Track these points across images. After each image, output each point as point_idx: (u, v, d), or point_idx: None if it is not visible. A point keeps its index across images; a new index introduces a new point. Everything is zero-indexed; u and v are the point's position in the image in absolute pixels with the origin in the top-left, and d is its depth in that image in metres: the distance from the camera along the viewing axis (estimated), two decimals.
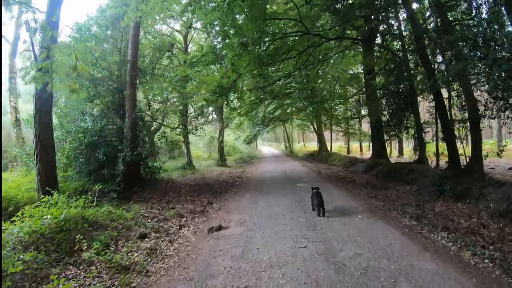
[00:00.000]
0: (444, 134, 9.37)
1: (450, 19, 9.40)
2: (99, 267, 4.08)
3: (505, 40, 6.37)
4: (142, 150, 10.05)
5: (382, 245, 4.23)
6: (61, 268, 4.06)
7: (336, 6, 11.24)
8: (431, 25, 10.64)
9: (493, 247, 4.18)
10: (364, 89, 16.70)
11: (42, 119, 7.18)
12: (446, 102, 9.91)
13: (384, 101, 13.63)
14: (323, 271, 3.49)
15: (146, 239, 5.17)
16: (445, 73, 8.90)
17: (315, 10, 11.07)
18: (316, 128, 28.65)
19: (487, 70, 7.11)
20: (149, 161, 10.95)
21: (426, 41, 9.92)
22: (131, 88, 10.01)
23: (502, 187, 6.40)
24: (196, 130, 17.37)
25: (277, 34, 11.83)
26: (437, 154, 11.65)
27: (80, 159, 9.21)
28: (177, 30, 18.84)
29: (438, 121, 10.81)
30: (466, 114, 10.03)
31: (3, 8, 6.96)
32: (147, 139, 12.27)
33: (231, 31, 9.34)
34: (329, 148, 27.41)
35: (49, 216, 5.06)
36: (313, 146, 41.34)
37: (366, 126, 29.62)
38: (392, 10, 11.34)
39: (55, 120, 10.50)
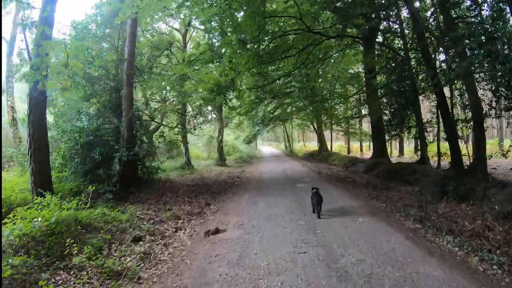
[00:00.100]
0: (446, 134, 9.19)
1: (453, 16, 9.20)
2: (90, 272, 3.91)
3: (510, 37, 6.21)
4: (139, 150, 9.88)
5: (386, 250, 4.05)
6: (51, 273, 3.89)
7: (337, 4, 11.08)
8: (433, 22, 10.43)
9: (500, 251, 4.01)
10: (364, 88, 16.52)
11: (35, 118, 7.00)
12: (448, 101, 9.73)
13: (385, 100, 13.44)
14: (324, 279, 3.31)
15: (141, 243, 4.99)
16: (448, 71, 8.75)
17: (316, 8, 10.90)
18: (316, 127, 28.49)
19: (491, 68, 6.95)
20: (147, 161, 10.78)
21: (429, 39, 9.74)
22: (128, 86, 9.82)
23: (506, 188, 6.25)
24: (195, 129, 17.18)
25: (277, 32, 11.65)
26: (438, 154, 11.48)
27: (76, 159, 9.03)
28: (175, 29, 18.68)
29: (440, 120, 10.65)
30: (469, 114, 9.90)
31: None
32: (144, 138, 12.11)
33: (229, 28, 9.15)
34: (329, 147, 27.26)
35: (39, 219, 4.90)
36: (313, 145, 41.17)
37: (366, 126, 29.49)
38: (394, 8, 11.17)
39: (51, 120, 10.37)
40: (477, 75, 8.34)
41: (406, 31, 11.57)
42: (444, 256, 3.92)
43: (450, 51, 8.88)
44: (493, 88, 7.53)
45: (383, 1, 11.07)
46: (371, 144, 22.88)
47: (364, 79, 17.14)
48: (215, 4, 8.09)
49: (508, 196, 5.81)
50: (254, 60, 10.55)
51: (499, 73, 6.72)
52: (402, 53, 11.82)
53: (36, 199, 5.85)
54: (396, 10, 11.56)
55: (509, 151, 8.17)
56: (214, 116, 22.05)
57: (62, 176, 9.06)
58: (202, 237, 5.06)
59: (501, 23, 6.65)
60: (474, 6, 8.23)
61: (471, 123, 9.06)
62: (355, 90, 20.51)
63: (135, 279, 3.71)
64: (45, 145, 7.27)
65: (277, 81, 18.44)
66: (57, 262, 4.12)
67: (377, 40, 14.24)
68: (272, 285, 3.26)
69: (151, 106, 15.71)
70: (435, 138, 12.31)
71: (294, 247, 4.29)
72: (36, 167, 7.00)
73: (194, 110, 17.90)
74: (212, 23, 9.58)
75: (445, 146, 12.67)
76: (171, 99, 17.96)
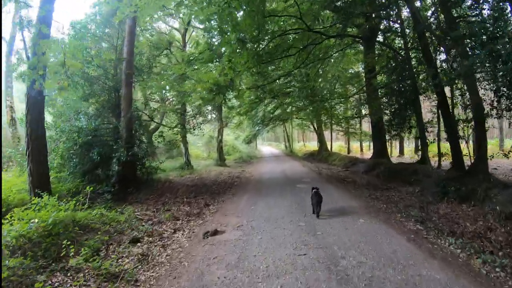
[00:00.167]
0: (447, 134, 9.14)
1: (455, 15, 9.13)
2: (87, 274, 3.86)
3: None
4: (139, 150, 9.83)
5: (387, 252, 3.99)
6: (47, 275, 3.85)
7: (337, 4, 11.02)
8: (434, 22, 10.36)
9: (502, 253, 3.96)
10: (365, 88, 16.45)
11: (33, 118, 6.94)
12: (449, 101, 9.67)
13: (385, 100, 13.37)
14: (324, 282, 3.25)
15: (139, 244, 4.93)
16: (449, 71, 8.69)
17: (316, 8, 10.84)
18: (316, 127, 28.42)
19: (493, 67, 6.89)
20: (146, 161, 10.71)
21: (429, 39, 9.68)
22: (127, 86, 9.76)
23: (508, 189, 6.20)
24: (194, 129, 17.11)
25: (277, 32, 11.58)
26: (439, 154, 11.42)
27: (74, 159, 8.96)
28: (175, 28, 18.62)
29: (441, 120, 10.58)
30: (470, 114, 9.83)
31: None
32: (144, 138, 12.04)
33: (228, 27, 9.07)
34: (329, 147, 27.19)
35: (36, 220, 4.85)
36: (313, 145, 41.11)
37: (366, 126, 29.45)
38: (394, 7, 11.11)
39: (50, 119, 10.31)
40: (478, 75, 8.28)
41: (407, 31, 11.51)
42: (446, 258, 3.86)
43: (451, 50, 8.81)
44: (495, 88, 7.46)
45: (384, 1, 11.01)
46: (371, 144, 22.82)
47: (364, 79, 17.08)
48: (214, 3, 8.01)
49: (510, 197, 5.76)
50: (254, 60, 10.48)
51: (501, 73, 6.65)
52: (402, 53, 11.76)
53: (33, 199, 5.80)
54: (396, 10, 11.50)
55: (510, 151, 8.09)
56: (214, 116, 21.96)
57: (61, 177, 9.00)
58: (201, 238, 5.00)
59: (502, 22, 6.59)
60: (475, 5, 8.17)
61: (472, 123, 8.98)
62: (355, 90, 20.45)
63: (132, 281, 3.65)
64: (43, 145, 7.21)
65: (277, 80, 18.37)
66: (53, 264, 4.08)
67: (377, 39, 14.16)
68: None
69: (151, 106, 15.63)
70: (436, 139, 12.25)
71: (294, 249, 4.22)
72: (34, 167, 6.94)
73: (193, 110, 17.80)
74: (212, 22, 9.50)
75: (445, 146, 12.64)
76: (171, 99, 17.90)
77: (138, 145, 10.24)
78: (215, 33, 10.46)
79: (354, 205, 6.89)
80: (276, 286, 3.24)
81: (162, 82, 13.55)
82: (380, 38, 14.30)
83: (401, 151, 24.19)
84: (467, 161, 9.23)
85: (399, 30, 11.98)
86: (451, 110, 9.56)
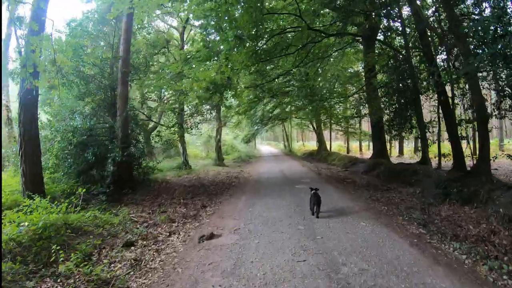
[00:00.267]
0: (449, 134, 9.00)
1: (457, 13, 8.98)
2: (77, 280, 3.71)
3: None
4: (135, 150, 9.66)
5: (390, 258, 3.83)
6: (37, 280, 3.72)
7: (337, 3, 10.87)
8: (436, 20, 10.23)
9: (507, 258, 3.82)
10: (364, 87, 16.31)
11: (26, 118, 6.79)
12: (450, 100, 9.54)
13: (386, 100, 13.23)
14: None
15: (132, 248, 4.77)
16: (451, 70, 8.55)
17: (316, 6, 10.69)
18: (315, 127, 28.30)
19: (496, 67, 6.75)
20: (143, 161, 10.54)
21: (431, 38, 9.55)
22: (123, 85, 9.58)
23: (511, 190, 6.04)
24: (192, 129, 16.95)
25: (275, 30, 11.42)
26: (439, 154, 11.30)
27: (69, 160, 8.78)
28: (173, 27, 18.46)
29: (442, 120, 10.45)
30: (471, 113, 9.70)
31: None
32: (140, 138, 11.88)
33: (225, 24, 8.91)
34: (328, 147, 27.06)
35: (26, 223, 4.70)
36: (312, 145, 41.02)
37: (366, 125, 29.32)
38: (395, 6, 10.95)
39: (45, 119, 10.14)
40: (479, 74, 8.14)
41: (408, 30, 11.36)
42: (451, 264, 3.70)
43: (453, 49, 8.67)
44: (499, 88, 7.32)
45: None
46: (371, 143, 22.68)
47: (364, 78, 16.94)
48: None
49: None
50: (252, 58, 10.32)
51: (505, 72, 6.51)
52: (403, 52, 11.61)
53: (26, 201, 5.65)
54: (397, 8, 11.35)
55: None
56: (212, 115, 21.79)
57: (55, 177, 8.84)
58: (196, 242, 4.82)
59: (506, 20, 6.44)
60: (477, 3, 8.04)
61: (474, 123, 8.86)
62: (354, 89, 20.33)
63: None
64: (36, 145, 7.05)
65: (276, 79, 18.22)
66: (44, 269, 3.94)
67: (377, 38, 14.01)
68: None
69: (148, 105, 15.46)
70: (436, 139, 12.12)
71: (293, 255, 4.05)
72: (27, 168, 6.79)
73: (190, 109, 17.63)
74: (208, 18, 9.31)
75: (445, 146, 12.51)
76: (168, 98, 17.73)
77: (135, 145, 10.08)
78: (212, 30, 10.28)
79: (354, 206, 6.73)
80: None
81: (159, 81, 13.34)
82: (380, 37, 14.14)
83: (401, 151, 24.08)
84: (468, 162, 9.12)
85: (399, 29, 11.83)
86: (453, 110, 9.43)
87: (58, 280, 3.72)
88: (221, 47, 10.15)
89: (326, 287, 3.19)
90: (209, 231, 5.19)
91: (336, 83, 20.64)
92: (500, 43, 6.10)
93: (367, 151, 27.00)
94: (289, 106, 26.14)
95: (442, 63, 10.08)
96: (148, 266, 4.10)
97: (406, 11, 12.51)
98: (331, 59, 17.30)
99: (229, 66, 9.92)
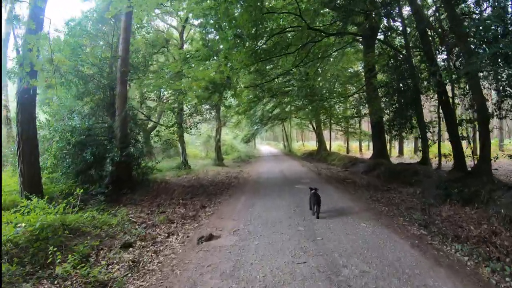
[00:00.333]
0: (449, 134, 8.96)
1: (458, 13, 8.93)
2: (74, 282, 3.67)
3: None
4: (134, 150, 9.60)
5: (391, 260, 3.78)
6: (34, 282, 3.67)
7: (337, 2, 10.82)
8: (436, 20, 10.18)
9: (509, 259, 3.78)
10: (364, 87, 16.27)
11: (24, 117, 6.74)
12: (450, 100, 9.50)
13: (386, 100, 13.19)
14: None
15: (130, 249, 4.73)
16: (452, 70, 8.51)
17: (316, 6, 10.64)
18: (315, 127, 28.25)
19: (498, 67, 6.71)
20: (142, 161, 10.48)
21: (431, 37, 9.50)
22: (122, 84, 9.52)
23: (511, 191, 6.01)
24: (191, 129, 16.89)
25: (275, 29, 11.37)
26: (439, 154, 11.25)
27: (67, 160, 8.72)
28: (173, 27, 18.40)
29: (442, 120, 10.41)
30: (472, 113, 9.66)
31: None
32: (139, 138, 11.82)
33: (225, 22, 8.85)
34: (328, 147, 27.00)
35: (23, 224, 4.65)
36: (312, 145, 40.97)
37: (366, 125, 29.26)
38: (395, 5, 10.91)
39: (43, 119, 10.08)
40: (480, 74, 8.10)
41: (408, 29, 11.32)
42: (453, 266, 3.66)
43: (454, 49, 8.63)
44: (500, 88, 7.28)
45: None
46: (371, 143, 22.63)
47: (364, 78, 16.90)
48: None
49: None
50: (251, 57, 10.27)
51: (506, 72, 6.47)
52: (403, 51, 11.57)
53: (23, 202, 5.60)
54: (397, 8, 11.31)
55: None
56: (212, 115, 21.73)
57: (54, 177, 8.79)
58: (195, 244, 4.77)
59: (508, 20, 6.40)
60: (478, 2, 8.00)
61: (475, 123, 8.82)
62: (354, 89, 20.28)
63: None
64: (34, 145, 7.00)
65: (276, 79, 18.15)
66: (41, 271, 3.90)
67: (378, 38, 13.97)
68: None
69: (147, 104, 15.41)
70: (436, 139, 12.08)
71: (293, 257, 4.00)
72: (25, 168, 6.74)
73: (190, 109, 17.58)
74: (207, 17, 9.26)
75: (445, 146, 12.46)
76: (168, 97, 17.67)
77: (134, 145, 10.02)
78: (211, 29, 10.22)
79: (354, 207, 6.69)
80: None
81: (158, 80, 13.30)
82: (380, 36, 14.10)
83: (401, 151, 24.06)
84: (469, 162, 9.08)
85: (400, 29, 11.79)
86: (454, 110, 9.39)
87: (55, 282, 3.68)
88: (221, 46, 10.11)
89: None
90: (208, 232, 5.14)
91: (336, 83, 20.57)
92: (501, 43, 6.07)
93: (367, 151, 26.96)
94: (289, 106, 26.07)
95: (442, 63, 10.07)
96: (146, 267, 4.05)
97: (406, 10, 12.51)
98: (331, 59, 17.23)
99: (228, 65, 9.87)
